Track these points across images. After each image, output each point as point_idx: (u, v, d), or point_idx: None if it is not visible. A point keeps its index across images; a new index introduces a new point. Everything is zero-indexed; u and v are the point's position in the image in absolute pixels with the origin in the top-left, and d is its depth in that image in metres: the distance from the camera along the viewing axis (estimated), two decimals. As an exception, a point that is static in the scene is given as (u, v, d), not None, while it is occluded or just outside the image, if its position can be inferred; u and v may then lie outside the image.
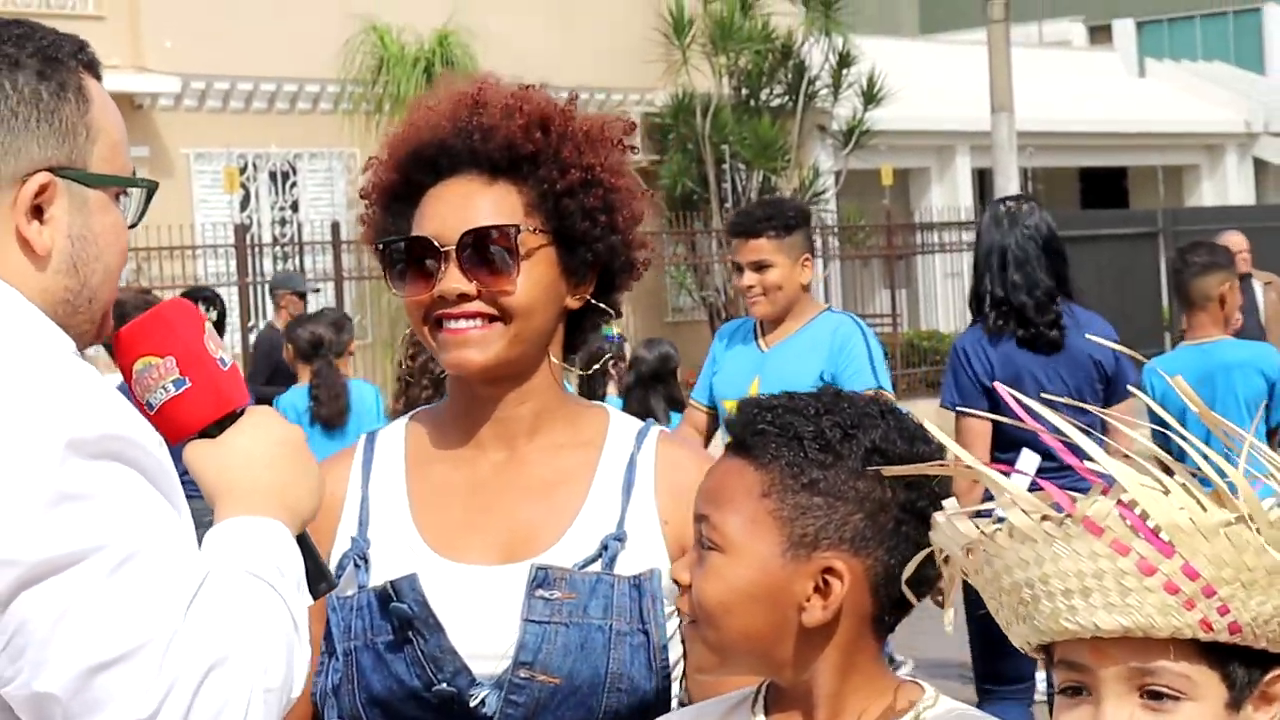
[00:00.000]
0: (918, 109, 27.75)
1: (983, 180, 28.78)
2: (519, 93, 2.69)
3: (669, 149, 25.27)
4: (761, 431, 2.22)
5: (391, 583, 2.57)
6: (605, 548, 2.59)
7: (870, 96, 25.34)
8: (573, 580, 2.56)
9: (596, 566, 2.58)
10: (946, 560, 2.03)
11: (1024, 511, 1.87)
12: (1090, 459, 1.86)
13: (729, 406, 6.86)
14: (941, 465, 2.00)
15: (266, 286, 20.82)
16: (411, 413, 2.80)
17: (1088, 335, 6.64)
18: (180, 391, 2.21)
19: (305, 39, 21.87)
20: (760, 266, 6.86)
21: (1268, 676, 1.92)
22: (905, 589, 2.13)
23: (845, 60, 25.33)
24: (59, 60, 2.20)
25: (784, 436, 2.22)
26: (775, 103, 25.45)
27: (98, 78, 2.26)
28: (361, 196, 2.78)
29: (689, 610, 2.23)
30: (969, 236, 27.06)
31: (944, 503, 2.00)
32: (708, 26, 24.76)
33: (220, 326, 10.56)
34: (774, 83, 25.52)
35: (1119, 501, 1.86)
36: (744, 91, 25.32)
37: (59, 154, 2.18)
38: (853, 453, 2.20)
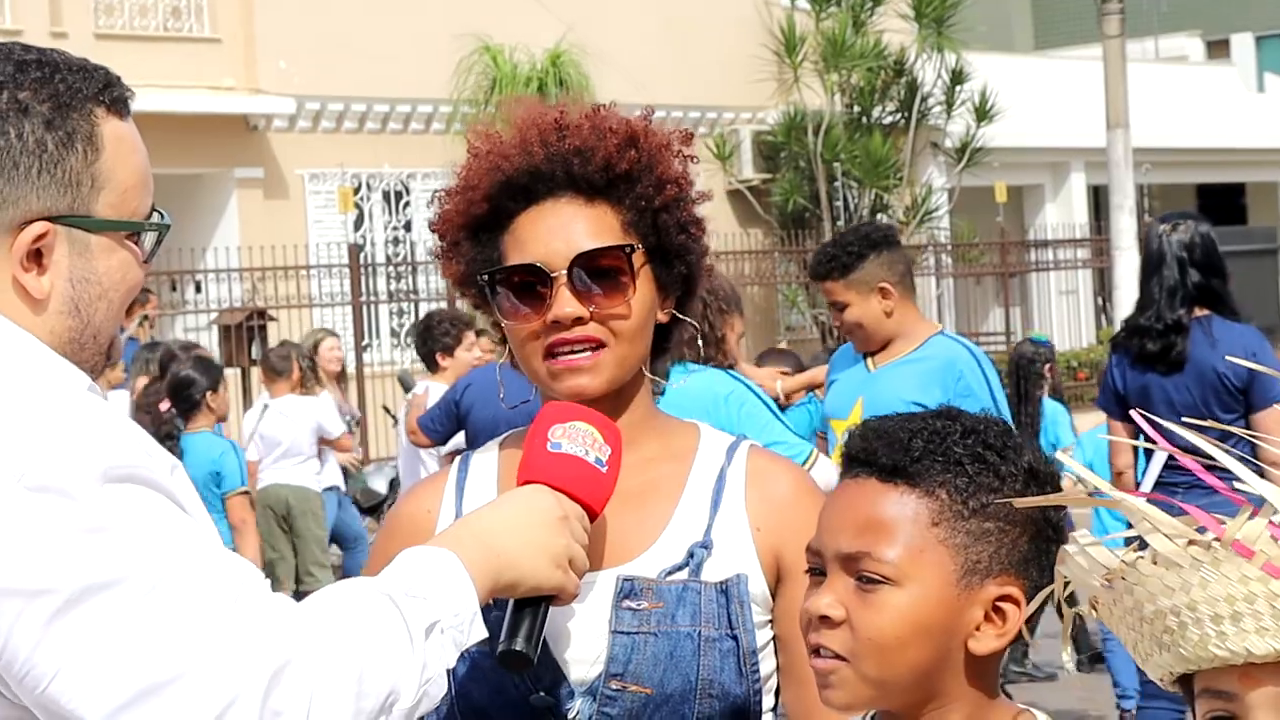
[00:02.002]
0: (1032, 125, 27.56)
1: (1098, 197, 28.53)
2: (597, 113, 2.69)
3: (781, 167, 25.26)
4: (919, 457, 2.16)
5: None
6: (692, 555, 2.59)
7: (983, 113, 25.19)
8: (659, 590, 2.56)
9: (683, 574, 2.58)
10: (1070, 597, 1.97)
11: (1167, 537, 1.81)
12: (1237, 479, 1.80)
13: (836, 427, 6.81)
14: (1083, 495, 1.93)
15: (379, 307, 20.99)
16: (503, 435, 2.81)
17: (1226, 356, 6.73)
18: (593, 464, 2.48)
19: (418, 59, 21.99)
20: (839, 307, 6.76)
21: None
22: (1059, 611, 2.07)
23: (958, 77, 25.21)
24: (73, 106, 2.20)
25: (946, 461, 2.16)
26: (887, 120, 25.36)
27: (124, 114, 2.26)
28: (433, 230, 2.76)
29: (840, 648, 2.14)
30: (1084, 254, 26.92)
31: (1075, 534, 1.94)
32: (819, 44, 24.71)
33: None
34: (886, 100, 25.44)
35: (1270, 522, 1.80)
36: (856, 109, 25.24)
37: (59, 203, 2.19)
38: (1013, 475, 2.15)
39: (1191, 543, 1.81)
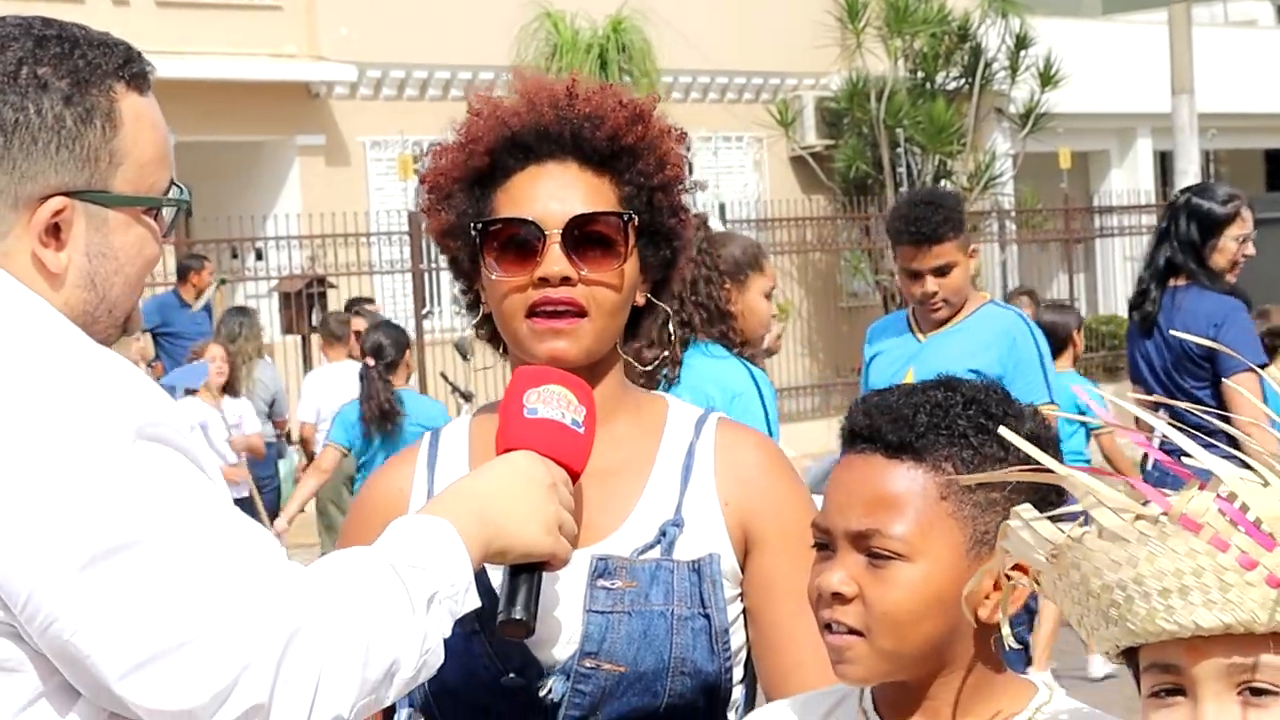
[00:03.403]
0: (1097, 91, 27.36)
1: (1164, 163, 28.33)
2: (609, 86, 2.70)
3: (843, 133, 25.16)
4: (924, 432, 2.16)
5: None
6: (663, 534, 2.59)
7: (1048, 78, 25.01)
8: (633, 569, 2.56)
9: (655, 553, 2.58)
10: (1012, 573, 1.97)
11: (1114, 512, 1.81)
12: (1187, 455, 1.80)
13: None
14: (1035, 470, 1.92)
15: (439, 274, 21.00)
16: (474, 410, 2.82)
17: (1180, 326, 7.06)
18: (570, 427, 2.48)
19: (479, 26, 22.00)
20: (944, 271, 6.59)
21: None
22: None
23: (1022, 42, 25.03)
24: (92, 82, 2.21)
25: (951, 434, 2.17)
26: (951, 86, 25.21)
27: (144, 89, 2.28)
28: (423, 182, 2.75)
29: (855, 623, 2.15)
30: (1149, 220, 26.70)
31: (1018, 509, 1.94)
32: (882, 9, 24.57)
33: None
34: (950, 65, 25.28)
35: (1217, 496, 1.79)
36: (919, 74, 25.10)
37: (78, 179, 2.20)
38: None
39: (1138, 517, 1.81)
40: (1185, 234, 7.29)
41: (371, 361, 10.45)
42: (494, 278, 2.62)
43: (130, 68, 2.26)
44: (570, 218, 2.58)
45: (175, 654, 1.99)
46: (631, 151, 2.64)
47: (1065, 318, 11.03)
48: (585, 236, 2.59)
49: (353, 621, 2.11)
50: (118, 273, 2.25)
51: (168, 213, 2.32)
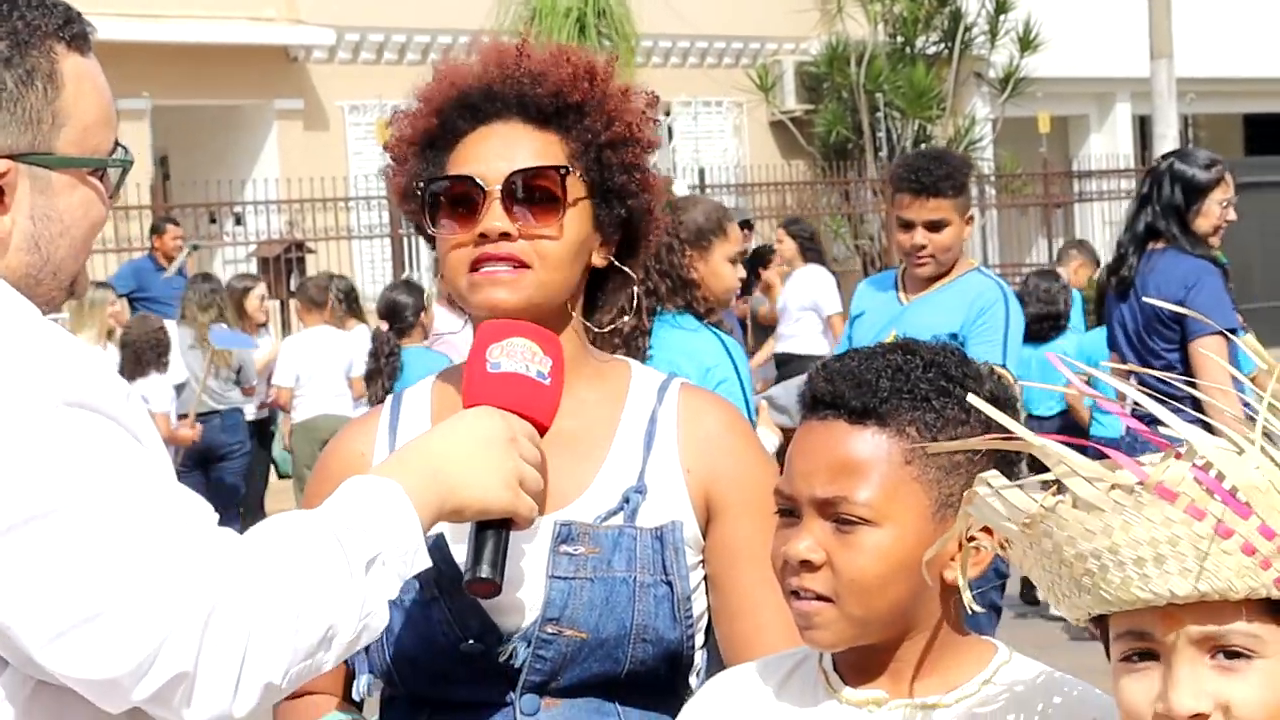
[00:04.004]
0: (1076, 55, 27.31)
1: (1143, 127, 28.32)
2: (563, 46, 2.70)
3: (823, 98, 25.14)
4: (887, 397, 2.16)
5: None
6: (626, 501, 2.60)
7: (1027, 43, 24.98)
8: (595, 535, 2.57)
9: (618, 520, 2.59)
10: (977, 534, 1.97)
11: (1088, 481, 1.81)
12: (1162, 424, 1.80)
13: None
14: (1008, 439, 1.92)
15: (418, 239, 20.96)
16: (438, 372, 2.81)
17: (1152, 291, 7.10)
18: (535, 379, 2.46)
19: (458, -10, 21.91)
20: (936, 226, 6.60)
21: None
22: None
23: (1002, 6, 24.99)
24: (32, 43, 2.19)
25: (913, 398, 2.17)
26: (931, 50, 25.19)
27: (85, 50, 2.26)
28: (386, 149, 2.77)
29: (823, 589, 2.16)
30: (1128, 185, 26.71)
31: (987, 476, 1.93)
32: (862, -26, 24.54)
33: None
34: (929, 30, 25.24)
35: (1193, 465, 1.79)
36: (899, 39, 25.07)
37: (20, 141, 2.19)
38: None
39: (1114, 486, 1.81)
40: (1169, 199, 7.29)
41: (385, 325, 10.57)
42: (440, 235, 2.63)
43: (70, 28, 2.24)
44: (509, 173, 2.59)
45: (94, 623, 1.98)
46: (578, 109, 2.64)
47: None
48: (526, 192, 2.60)
49: (282, 588, 2.08)
50: (63, 235, 2.23)
51: (113, 174, 2.30)
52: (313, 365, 13.15)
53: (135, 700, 2.01)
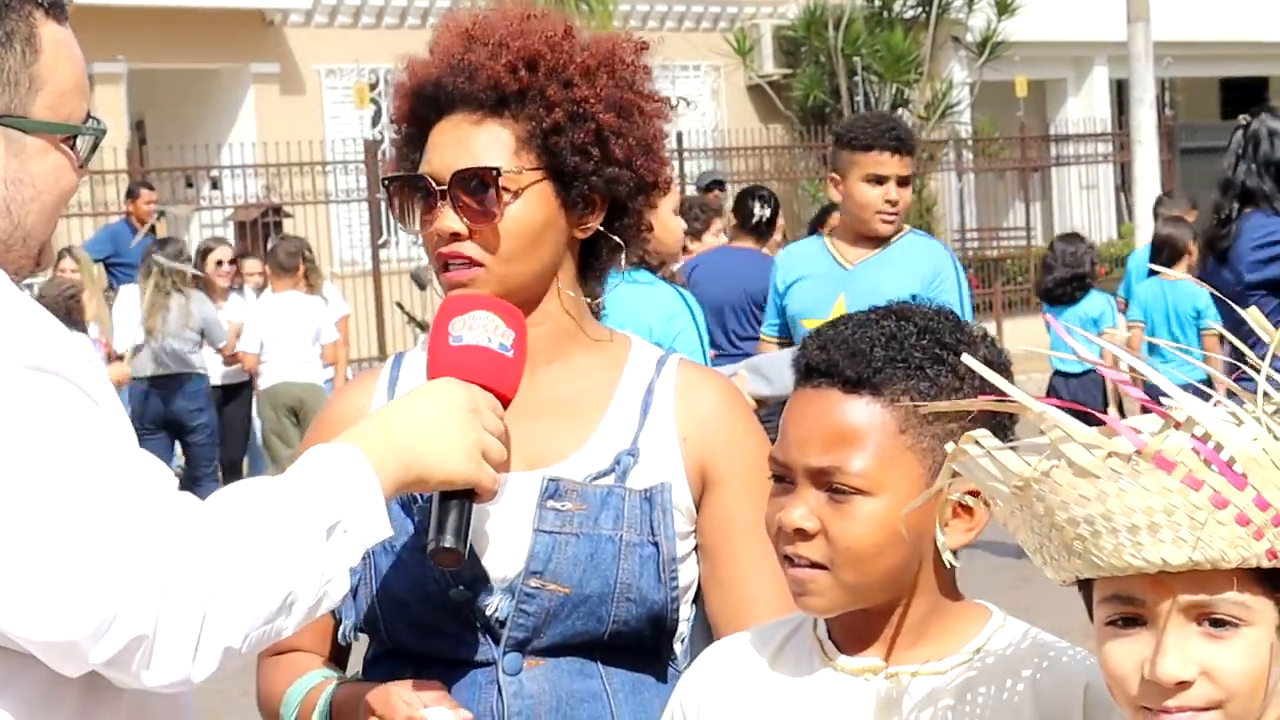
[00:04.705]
0: (1053, 19, 27.31)
1: (1120, 91, 28.33)
2: (514, 27, 2.67)
3: (801, 62, 25.11)
4: (881, 366, 2.16)
5: None
6: (618, 462, 2.62)
7: (1004, 7, 24.97)
8: (584, 492, 2.59)
9: (608, 480, 2.61)
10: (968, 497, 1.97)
11: (1085, 447, 1.81)
12: (1165, 395, 1.80)
13: (811, 326, 6.74)
14: (1000, 400, 1.92)
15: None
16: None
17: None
18: (497, 351, 2.48)
19: (435, -47, 21.86)
20: (906, 181, 6.71)
21: None
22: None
23: (979, -30, 25.00)
24: (11, 6, 2.20)
25: (907, 366, 2.17)
26: (908, 14, 25.20)
27: (62, 20, 2.26)
28: (393, 121, 2.80)
29: (818, 556, 2.16)
30: (1105, 148, 26.73)
31: (978, 435, 1.93)
32: (840, -63, 24.52)
33: (773, 224, 10.70)
34: (907, -6, 25.25)
35: (1191, 435, 1.80)
36: (877, 3, 25.06)
37: None
38: (971, 372, 2.10)
39: (1111, 454, 1.81)
40: (1267, 154, 6.94)
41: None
42: (414, 230, 2.68)
43: None
44: (452, 173, 2.61)
45: (53, 585, 1.98)
46: (519, 96, 2.63)
47: (1181, 230, 11.21)
48: (470, 191, 2.61)
49: (242, 552, 2.08)
50: (34, 200, 2.24)
51: (84, 145, 2.30)
52: (278, 331, 13.13)
53: (94, 663, 2.01)
